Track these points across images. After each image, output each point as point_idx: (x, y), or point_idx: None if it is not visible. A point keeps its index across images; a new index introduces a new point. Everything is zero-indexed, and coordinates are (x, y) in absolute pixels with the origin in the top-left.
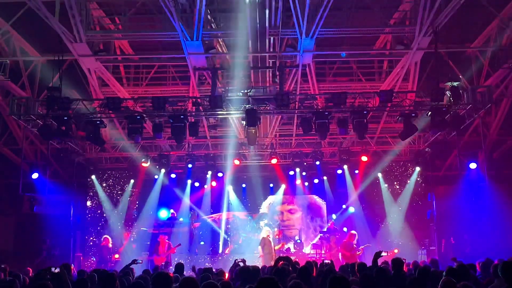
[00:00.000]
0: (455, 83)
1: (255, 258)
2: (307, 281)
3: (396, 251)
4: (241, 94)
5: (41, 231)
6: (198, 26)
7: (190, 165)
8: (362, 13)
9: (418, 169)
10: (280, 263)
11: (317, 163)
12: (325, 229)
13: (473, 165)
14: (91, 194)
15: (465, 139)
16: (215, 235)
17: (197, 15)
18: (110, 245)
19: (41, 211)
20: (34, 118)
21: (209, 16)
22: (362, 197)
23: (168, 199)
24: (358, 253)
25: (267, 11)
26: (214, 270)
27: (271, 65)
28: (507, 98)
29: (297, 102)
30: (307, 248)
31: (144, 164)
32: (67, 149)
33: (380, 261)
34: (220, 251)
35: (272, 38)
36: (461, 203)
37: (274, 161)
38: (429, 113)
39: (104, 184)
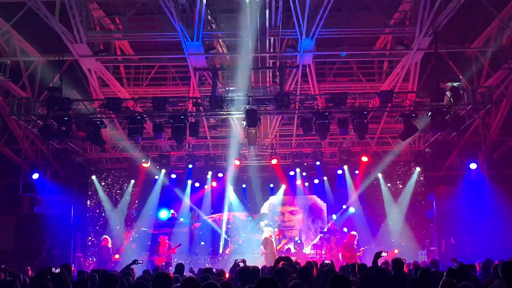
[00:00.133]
0: (455, 84)
1: (256, 259)
2: (307, 281)
3: (396, 251)
4: (241, 94)
5: (41, 231)
6: (198, 27)
7: (190, 166)
8: (362, 13)
9: (418, 169)
10: (281, 263)
11: (317, 163)
12: (325, 230)
13: (473, 166)
14: (91, 194)
15: (465, 140)
16: (215, 235)
17: (197, 15)
18: (110, 245)
19: (42, 211)
20: (34, 119)
21: (209, 17)
22: (362, 197)
23: (169, 199)
24: (358, 253)
25: (267, 12)
26: (214, 270)
27: (271, 65)
28: (507, 98)
29: (297, 103)
30: (307, 249)
31: (144, 165)
32: (67, 150)
33: (380, 262)
34: (221, 251)
35: (272, 38)
36: (461, 203)
37: (274, 161)
38: (429, 113)
39: (104, 184)
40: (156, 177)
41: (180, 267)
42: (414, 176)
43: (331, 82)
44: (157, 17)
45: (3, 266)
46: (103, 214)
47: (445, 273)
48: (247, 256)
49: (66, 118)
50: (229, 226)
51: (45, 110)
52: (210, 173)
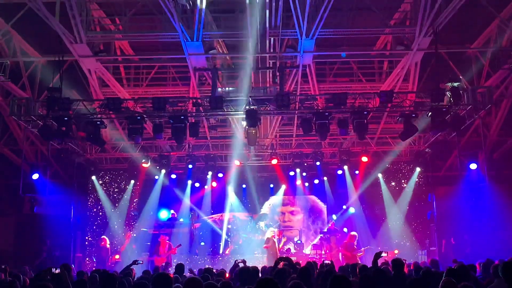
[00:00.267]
0: (455, 84)
1: (256, 259)
2: (308, 281)
3: (396, 251)
4: (241, 94)
5: (41, 231)
6: (198, 27)
7: (190, 166)
8: (362, 13)
9: (418, 169)
10: (281, 263)
11: (318, 163)
12: (325, 230)
13: (473, 166)
14: (91, 194)
15: (465, 140)
16: (215, 235)
17: (197, 15)
18: (108, 246)
19: (42, 211)
20: (34, 119)
21: (209, 17)
22: (363, 197)
23: (169, 199)
24: (359, 254)
25: (267, 12)
26: (214, 270)
27: (271, 65)
28: (507, 98)
29: (297, 103)
30: (307, 249)
31: (144, 165)
32: (67, 150)
33: (380, 262)
34: (221, 251)
35: (272, 38)
36: (462, 203)
37: (274, 161)
38: (429, 113)
39: (104, 185)
40: (156, 177)
41: (180, 268)
42: (414, 176)
43: (331, 82)
44: (157, 17)
45: (3, 266)
46: (104, 215)
47: (445, 273)
48: (247, 256)
49: (66, 119)
50: (229, 226)
51: (45, 110)
52: (210, 173)
